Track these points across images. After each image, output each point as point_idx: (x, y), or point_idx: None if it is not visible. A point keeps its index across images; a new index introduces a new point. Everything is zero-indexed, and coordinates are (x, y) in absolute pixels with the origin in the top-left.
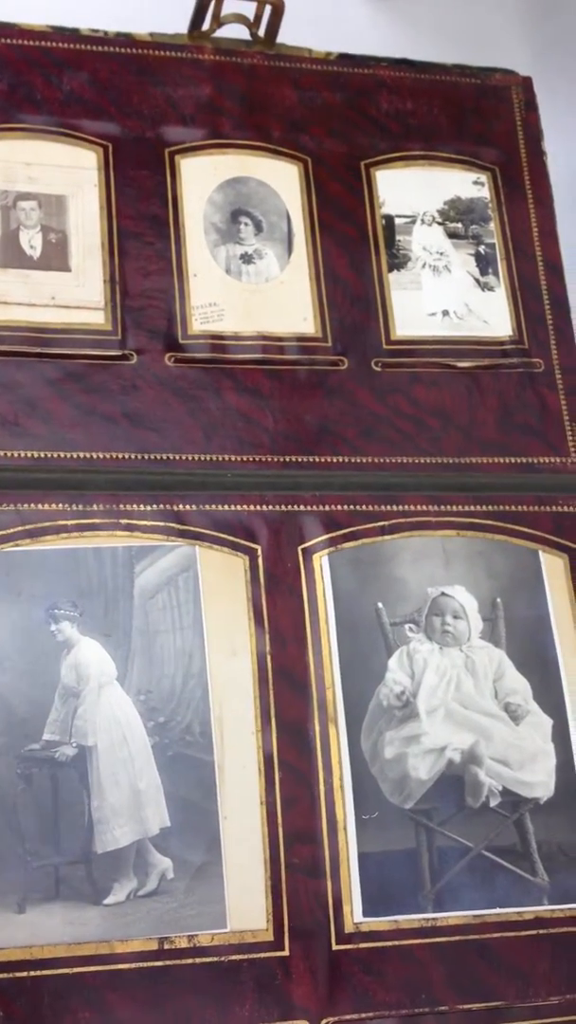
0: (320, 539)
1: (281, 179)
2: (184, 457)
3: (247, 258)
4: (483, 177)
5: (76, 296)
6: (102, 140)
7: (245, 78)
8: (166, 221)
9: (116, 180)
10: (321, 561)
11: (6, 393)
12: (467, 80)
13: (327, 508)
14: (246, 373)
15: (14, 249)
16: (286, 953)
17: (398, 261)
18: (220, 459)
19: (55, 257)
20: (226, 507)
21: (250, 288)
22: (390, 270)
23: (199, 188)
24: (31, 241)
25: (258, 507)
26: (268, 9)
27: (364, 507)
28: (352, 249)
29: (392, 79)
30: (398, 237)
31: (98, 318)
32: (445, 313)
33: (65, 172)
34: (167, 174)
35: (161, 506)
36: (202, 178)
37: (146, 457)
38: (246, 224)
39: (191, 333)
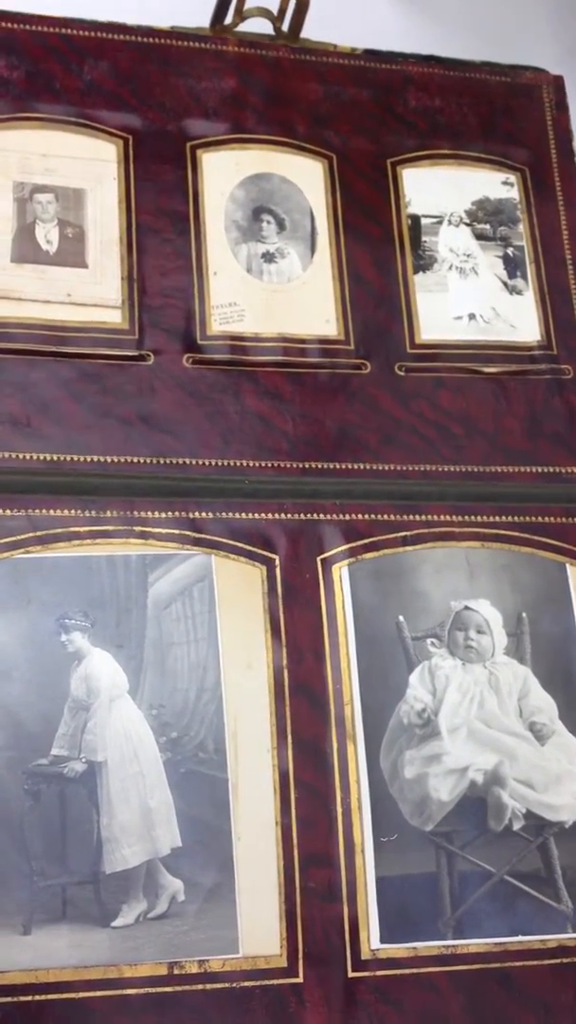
0: (340, 549)
1: (305, 176)
2: (201, 462)
3: (269, 257)
4: (512, 177)
5: (93, 293)
6: (122, 132)
7: (269, 71)
8: (186, 217)
9: (136, 174)
10: (340, 572)
11: (19, 393)
12: (496, 78)
13: (347, 517)
14: (266, 376)
15: (30, 243)
16: (300, 980)
17: (424, 263)
18: (238, 464)
19: (72, 252)
20: (243, 515)
21: (271, 288)
22: (415, 272)
23: (221, 184)
24: (47, 235)
25: (276, 515)
26: (292, 4)
27: (385, 516)
28: (377, 249)
29: (420, 75)
30: (424, 238)
31: (115, 317)
32: (471, 317)
33: (84, 165)
34: (188, 168)
35: (176, 513)
36: (224, 173)
37: (162, 462)
38: (268, 222)
39: (210, 334)
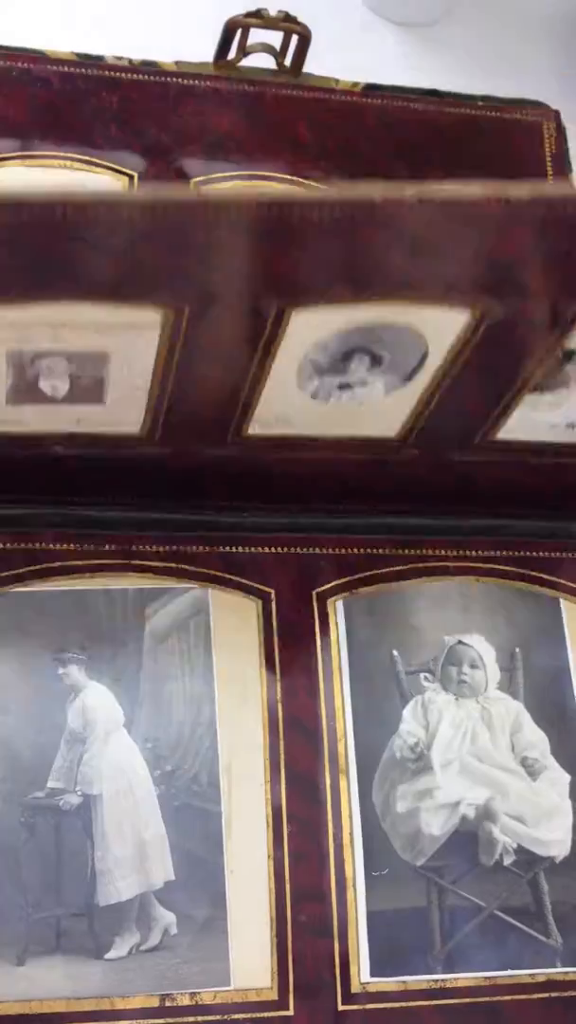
0: (335, 583)
1: (437, 324)
2: None
3: (346, 386)
4: None
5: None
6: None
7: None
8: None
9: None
10: (336, 606)
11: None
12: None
13: (343, 551)
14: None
15: (29, 392)
16: (290, 1013)
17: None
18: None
19: (86, 391)
20: (240, 549)
21: (332, 406)
22: (533, 390)
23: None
24: (54, 386)
25: (273, 549)
26: (295, 39)
27: (381, 551)
28: (510, 356)
29: None
30: None
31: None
32: (571, 427)
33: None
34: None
35: (174, 547)
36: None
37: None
38: (360, 360)
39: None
